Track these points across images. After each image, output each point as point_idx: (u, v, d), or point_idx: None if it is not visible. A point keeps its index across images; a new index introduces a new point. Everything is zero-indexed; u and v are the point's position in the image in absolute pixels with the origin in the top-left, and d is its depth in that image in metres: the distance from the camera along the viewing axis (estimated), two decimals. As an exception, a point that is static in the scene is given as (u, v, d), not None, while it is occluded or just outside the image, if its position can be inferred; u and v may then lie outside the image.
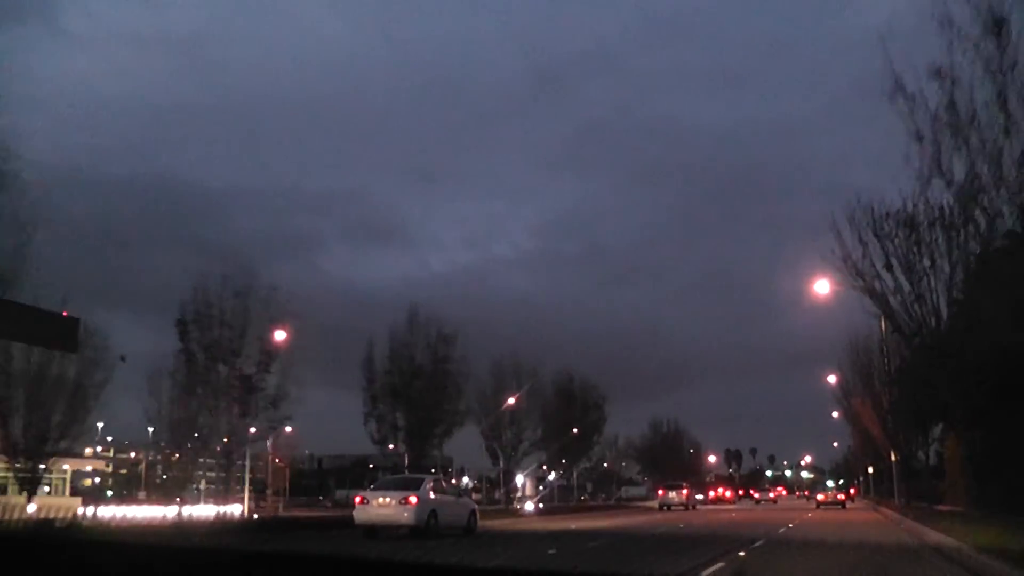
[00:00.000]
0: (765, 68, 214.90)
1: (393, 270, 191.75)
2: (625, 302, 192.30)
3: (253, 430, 34.32)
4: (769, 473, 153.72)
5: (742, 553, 14.80)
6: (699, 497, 56.93)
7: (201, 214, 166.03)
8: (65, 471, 41.87)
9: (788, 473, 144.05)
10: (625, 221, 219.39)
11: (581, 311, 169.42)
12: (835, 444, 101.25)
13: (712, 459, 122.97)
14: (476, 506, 23.51)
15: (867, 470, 67.43)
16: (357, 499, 21.13)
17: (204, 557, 2.00)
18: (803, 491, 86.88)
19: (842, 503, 60.74)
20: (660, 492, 53.47)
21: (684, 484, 60.83)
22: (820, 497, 66.90)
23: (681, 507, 48.95)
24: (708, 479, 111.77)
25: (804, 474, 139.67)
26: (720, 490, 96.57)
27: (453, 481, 56.43)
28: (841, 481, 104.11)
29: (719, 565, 11.82)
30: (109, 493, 67.96)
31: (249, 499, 37.50)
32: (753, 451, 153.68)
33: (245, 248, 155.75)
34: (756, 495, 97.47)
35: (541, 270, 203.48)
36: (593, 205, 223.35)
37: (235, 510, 33.36)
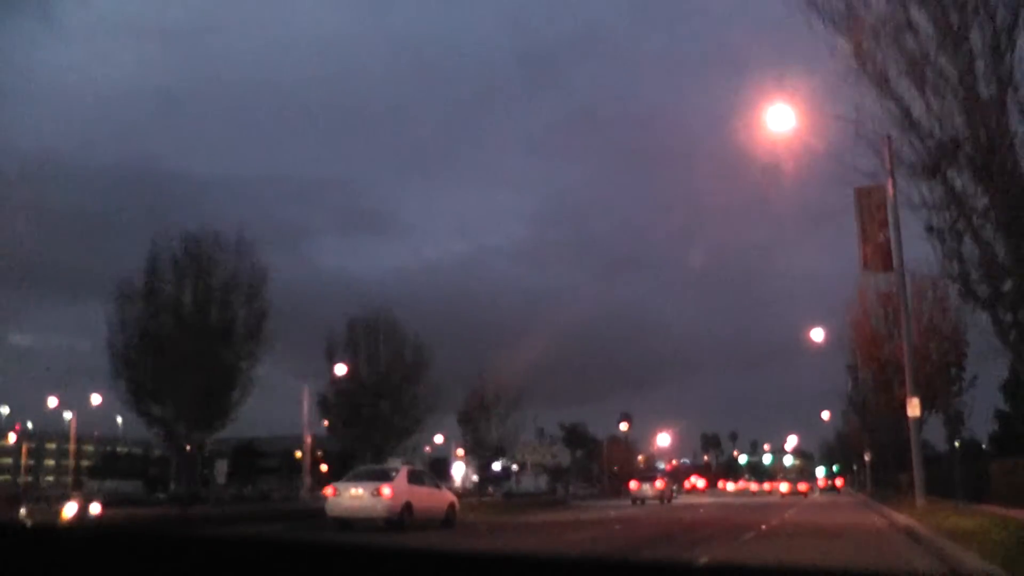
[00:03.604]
0: (761, 49, 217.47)
1: (386, 260, 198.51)
2: (617, 290, 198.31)
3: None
4: (744, 459, 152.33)
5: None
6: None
7: (188, 202, 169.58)
8: None
9: (769, 459, 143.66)
10: (618, 209, 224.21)
11: (573, 300, 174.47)
12: (826, 414, 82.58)
13: (666, 441, 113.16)
14: (455, 498, 23.93)
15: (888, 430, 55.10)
16: (329, 490, 21.42)
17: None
18: (790, 480, 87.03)
19: (804, 494, 67.36)
20: (633, 484, 54.05)
21: (658, 475, 62.02)
22: (784, 489, 73.51)
23: (656, 501, 49.54)
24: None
25: (788, 459, 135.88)
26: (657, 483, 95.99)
27: None
28: (835, 467, 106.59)
29: None
30: None
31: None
32: (733, 436, 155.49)
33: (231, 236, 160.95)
34: (764, 486, 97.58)
35: (534, 260, 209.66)
36: (585, 193, 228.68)
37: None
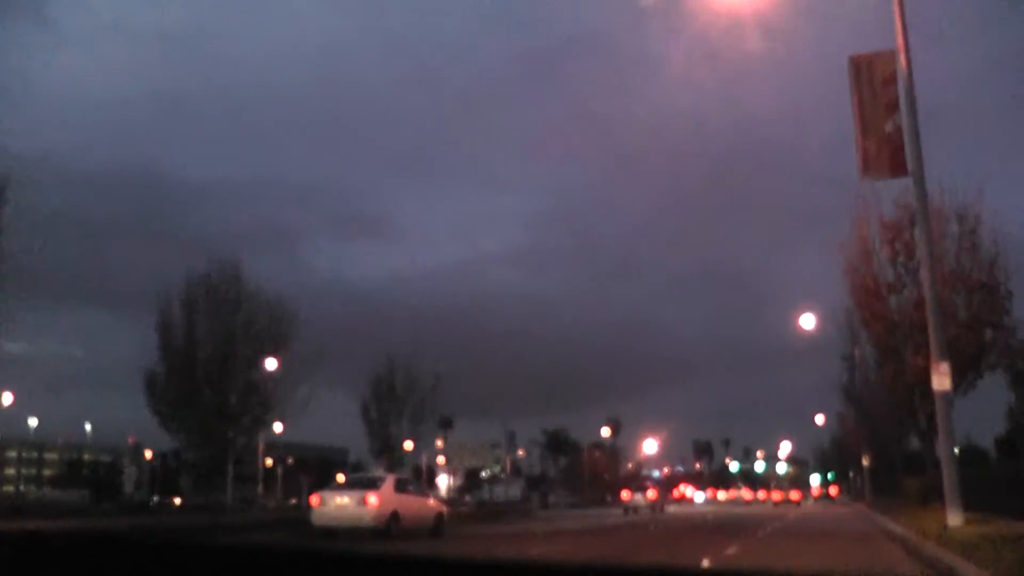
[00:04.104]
0: (761, 51, 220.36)
1: (382, 265, 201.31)
2: (612, 295, 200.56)
3: None
4: (735, 466, 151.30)
5: None
6: None
7: (182, 206, 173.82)
8: None
9: (761, 466, 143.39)
10: (618, 212, 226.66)
11: (571, 305, 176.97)
12: (820, 418, 75.50)
13: (652, 448, 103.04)
14: (445, 507, 23.84)
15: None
16: (314, 499, 21.30)
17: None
18: (783, 489, 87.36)
19: (796, 503, 69.02)
20: (625, 493, 53.87)
21: (650, 483, 61.78)
22: (776, 497, 75.57)
23: (648, 511, 49.31)
24: None
25: (781, 467, 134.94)
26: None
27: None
28: (829, 474, 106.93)
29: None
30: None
31: None
32: (726, 442, 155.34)
33: (226, 240, 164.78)
34: (758, 494, 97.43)
35: (531, 264, 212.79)
36: (584, 196, 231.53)
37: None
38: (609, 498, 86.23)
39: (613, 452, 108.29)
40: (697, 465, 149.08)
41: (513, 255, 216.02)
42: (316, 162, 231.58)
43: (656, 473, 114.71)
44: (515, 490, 75.61)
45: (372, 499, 20.26)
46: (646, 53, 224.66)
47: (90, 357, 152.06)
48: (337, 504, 20.60)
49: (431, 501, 23.71)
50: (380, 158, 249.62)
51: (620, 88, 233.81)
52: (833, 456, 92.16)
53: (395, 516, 20.46)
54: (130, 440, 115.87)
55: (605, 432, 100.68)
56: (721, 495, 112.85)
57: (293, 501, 74.78)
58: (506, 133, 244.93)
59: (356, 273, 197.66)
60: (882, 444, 48.52)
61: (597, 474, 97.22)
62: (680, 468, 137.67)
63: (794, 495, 79.86)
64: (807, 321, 38.27)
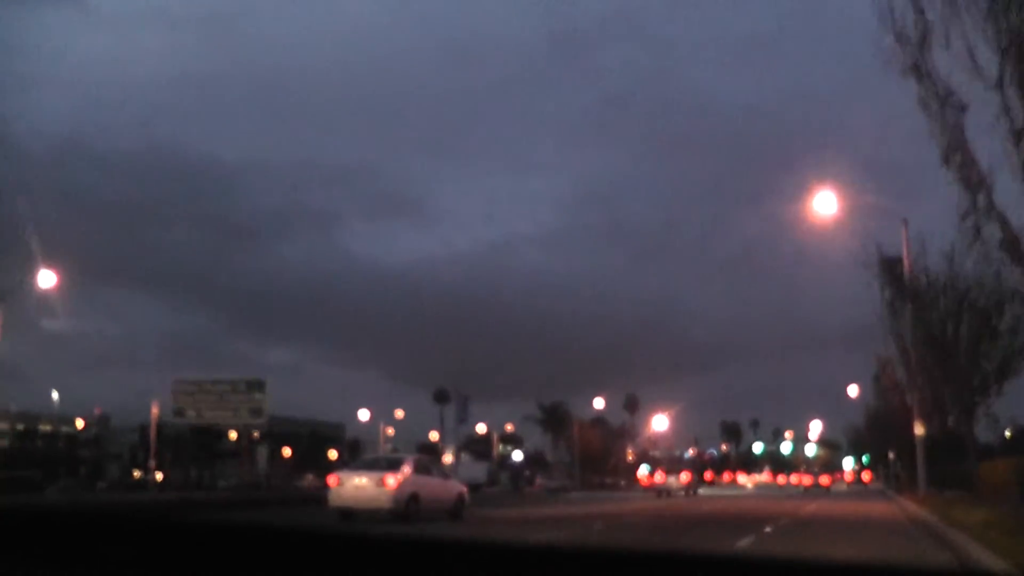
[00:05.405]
0: (797, 33, 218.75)
1: (416, 247, 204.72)
2: (648, 279, 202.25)
3: None
4: (760, 448, 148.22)
5: None
6: None
7: (216, 187, 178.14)
8: None
9: (788, 448, 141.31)
10: (651, 196, 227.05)
11: (603, 288, 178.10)
12: (853, 388, 66.15)
13: (662, 424, 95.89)
14: (465, 489, 23.73)
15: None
16: (332, 480, 21.26)
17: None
18: (813, 473, 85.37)
19: (826, 488, 67.68)
20: (659, 476, 53.71)
21: (659, 467, 61.39)
22: (806, 482, 74.89)
23: (681, 494, 49.16)
24: None
25: (811, 449, 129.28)
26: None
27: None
28: (864, 457, 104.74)
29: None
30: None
31: None
32: (754, 423, 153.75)
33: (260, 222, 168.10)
34: (791, 478, 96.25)
35: (563, 247, 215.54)
36: (618, 179, 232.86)
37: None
38: (624, 482, 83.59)
39: (621, 430, 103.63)
40: (724, 447, 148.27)
41: (545, 238, 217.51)
42: (349, 145, 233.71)
43: (687, 454, 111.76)
44: (478, 471, 65.41)
45: (391, 481, 20.26)
46: (681, 35, 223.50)
47: (125, 335, 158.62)
48: (355, 485, 20.61)
49: (451, 483, 23.75)
50: (413, 141, 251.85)
51: (654, 70, 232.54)
52: (867, 436, 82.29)
53: (414, 498, 20.43)
54: (96, 411, 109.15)
55: (600, 404, 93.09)
56: (742, 479, 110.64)
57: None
58: (540, 115, 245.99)
59: (389, 256, 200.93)
60: (945, 399, 32.64)
61: (593, 454, 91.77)
62: (712, 452, 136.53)
63: (824, 480, 78.53)
64: (824, 203, 26.21)
